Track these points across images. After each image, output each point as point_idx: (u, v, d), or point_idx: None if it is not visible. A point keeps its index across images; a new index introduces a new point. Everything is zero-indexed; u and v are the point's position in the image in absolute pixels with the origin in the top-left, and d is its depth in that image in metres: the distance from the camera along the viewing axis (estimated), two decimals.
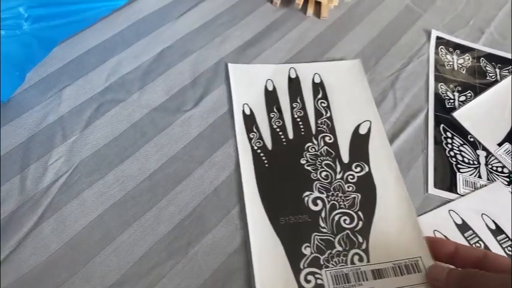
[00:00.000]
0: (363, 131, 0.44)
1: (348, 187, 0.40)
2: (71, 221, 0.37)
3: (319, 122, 0.45)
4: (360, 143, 0.44)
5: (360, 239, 0.37)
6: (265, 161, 0.42)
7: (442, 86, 0.50)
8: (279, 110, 0.46)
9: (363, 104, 0.47)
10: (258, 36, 0.52)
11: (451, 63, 0.53)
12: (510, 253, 0.39)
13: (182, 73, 0.48)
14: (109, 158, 0.41)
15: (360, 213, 0.39)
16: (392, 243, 0.37)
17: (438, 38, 0.55)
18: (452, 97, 0.49)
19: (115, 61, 0.48)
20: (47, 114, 0.43)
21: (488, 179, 0.43)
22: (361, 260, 0.36)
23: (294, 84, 0.48)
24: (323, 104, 0.46)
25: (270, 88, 0.47)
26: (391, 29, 0.55)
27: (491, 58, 0.54)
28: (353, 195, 0.40)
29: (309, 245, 0.37)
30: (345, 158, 0.43)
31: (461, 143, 0.45)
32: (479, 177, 0.43)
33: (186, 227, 0.38)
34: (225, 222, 0.39)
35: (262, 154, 0.42)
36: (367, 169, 0.42)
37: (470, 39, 0.55)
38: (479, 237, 0.40)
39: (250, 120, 0.45)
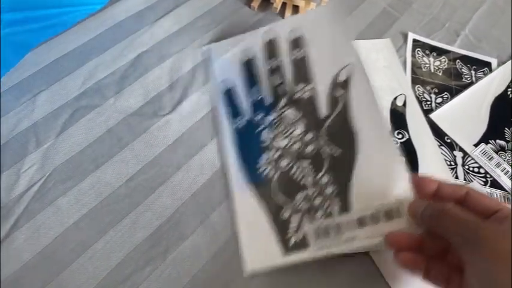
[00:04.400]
0: (399, 102, 0.49)
1: None
2: (45, 229, 0.37)
3: None
4: (398, 113, 0.48)
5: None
6: None
7: (419, 88, 0.51)
8: None
9: (398, 79, 0.51)
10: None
11: (427, 65, 0.53)
12: None
13: (159, 77, 0.47)
14: (84, 165, 0.40)
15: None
16: None
17: (415, 40, 0.55)
18: (429, 99, 0.50)
19: (91, 66, 0.47)
20: (20, 120, 0.42)
21: (465, 180, 0.44)
22: None
23: None
24: None
25: None
26: (369, 32, 0.55)
27: (467, 60, 0.54)
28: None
29: None
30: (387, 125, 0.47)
31: (438, 144, 0.46)
32: (457, 177, 0.44)
33: (164, 232, 0.38)
34: (203, 227, 0.38)
35: None
36: (407, 136, 0.46)
37: (445, 42, 0.56)
38: None
39: None
